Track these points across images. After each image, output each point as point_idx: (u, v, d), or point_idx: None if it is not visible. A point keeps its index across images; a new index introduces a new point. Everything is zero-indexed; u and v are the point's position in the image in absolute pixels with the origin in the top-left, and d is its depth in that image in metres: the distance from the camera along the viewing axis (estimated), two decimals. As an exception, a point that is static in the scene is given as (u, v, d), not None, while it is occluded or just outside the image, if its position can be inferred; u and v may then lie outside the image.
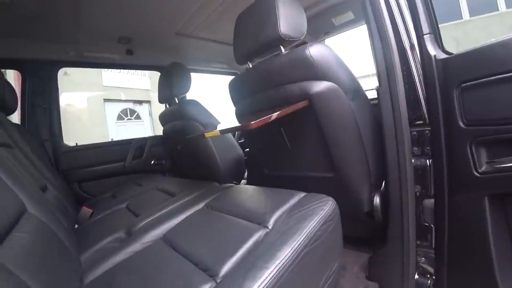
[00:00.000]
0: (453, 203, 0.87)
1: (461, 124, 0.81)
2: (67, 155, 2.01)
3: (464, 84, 0.79)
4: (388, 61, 0.91)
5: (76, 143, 2.22)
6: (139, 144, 2.28)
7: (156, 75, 2.26)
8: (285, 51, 1.02)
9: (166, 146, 2.28)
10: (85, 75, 7.65)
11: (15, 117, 1.87)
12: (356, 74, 1.02)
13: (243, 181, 1.88)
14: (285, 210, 0.82)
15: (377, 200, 1.03)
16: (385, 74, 0.93)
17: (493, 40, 0.74)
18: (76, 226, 1.35)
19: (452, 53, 0.84)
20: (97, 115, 8.33)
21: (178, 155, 2.07)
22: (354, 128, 0.97)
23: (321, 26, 2.08)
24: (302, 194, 0.89)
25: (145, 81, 9.33)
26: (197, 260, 0.68)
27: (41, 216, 0.69)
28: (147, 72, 8.72)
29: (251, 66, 1.17)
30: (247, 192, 1.12)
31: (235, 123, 1.27)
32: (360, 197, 1.04)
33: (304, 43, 1.07)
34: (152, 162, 2.32)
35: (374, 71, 1.00)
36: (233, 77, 2.75)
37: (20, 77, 1.90)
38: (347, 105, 0.95)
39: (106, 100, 8.56)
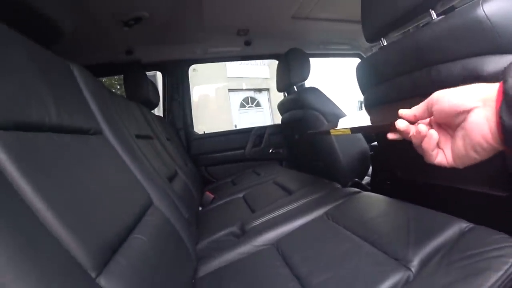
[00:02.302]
0: None
1: None
2: (197, 142, 2.29)
3: None
4: None
5: (204, 131, 2.48)
6: (259, 133, 2.36)
7: (275, 63, 2.25)
8: (437, 17, 0.74)
9: (284, 135, 2.26)
10: (212, 69, 8.52)
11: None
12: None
13: (366, 178, 1.64)
14: (438, 248, 0.56)
15: None
16: None
17: None
18: (200, 208, 1.48)
19: None
20: (223, 103, 9.24)
21: (296, 145, 2.00)
22: None
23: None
24: (465, 225, 0.61)
25: (264, 70, 9.68)
26: None
27: (165, 209, 0.73)
28: (266, 61, 9.08)
29: (385, 43, 0.92)
30: (377, 205, 0.90)
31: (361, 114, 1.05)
32: None
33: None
34: (270, 150, 2.35)
35: None
36: (356, 59, 2.52)
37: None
38: None
39: (230, 90, 9.41)
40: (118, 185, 0.59)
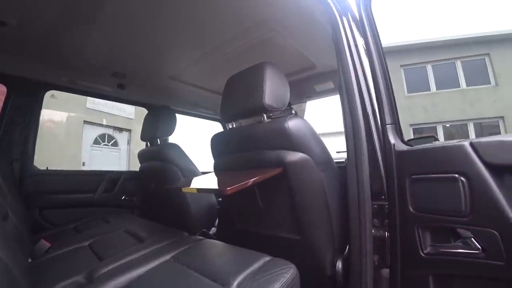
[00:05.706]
0: (405, 276, 0.94)
1: (411, 209, 0.91)
2: (35, 178, 1.93)
3: (414, 176, 0.91)
4: (357, 140, 1.02)
5: (47, 167, 2.16)
6: (114, 177, 2.25)
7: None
8: (267, 119, 1.12)
9: (139, 183, 2.25)
10: (69, 94, 7.49)
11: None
12: (332, 129, 1.13)
13: (213, 229, 1.87)
14: (249, 273, 0.84)
15: (339, 265, 1.07)
16: (353, 151, 1.03)
17: (438, 143, 0.88)
18: (29, 260, 1.26)
19: (410, 144, 0.97)
20: (74, 135, 8.10)
21: (150, 194, 2.04)
22: (322, 196, 1.05)
23: (304, 90, 2.28)
24: (267, 258, 0.92)
25: (129, 110, 9.26)
26: None
27: (3, 255, 0.66)
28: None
29: (234, 126, 1.26)
30: (215, 249, 1.13)
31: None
32: (323, 260, 1.07)
33: (289, 104, 1.18)
34: (123, 197, 2.27)
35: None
36: (216, 122, 2.92)
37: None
38: (317, 175, 1.04)
39: (86, 122, 8.41)
40: None
